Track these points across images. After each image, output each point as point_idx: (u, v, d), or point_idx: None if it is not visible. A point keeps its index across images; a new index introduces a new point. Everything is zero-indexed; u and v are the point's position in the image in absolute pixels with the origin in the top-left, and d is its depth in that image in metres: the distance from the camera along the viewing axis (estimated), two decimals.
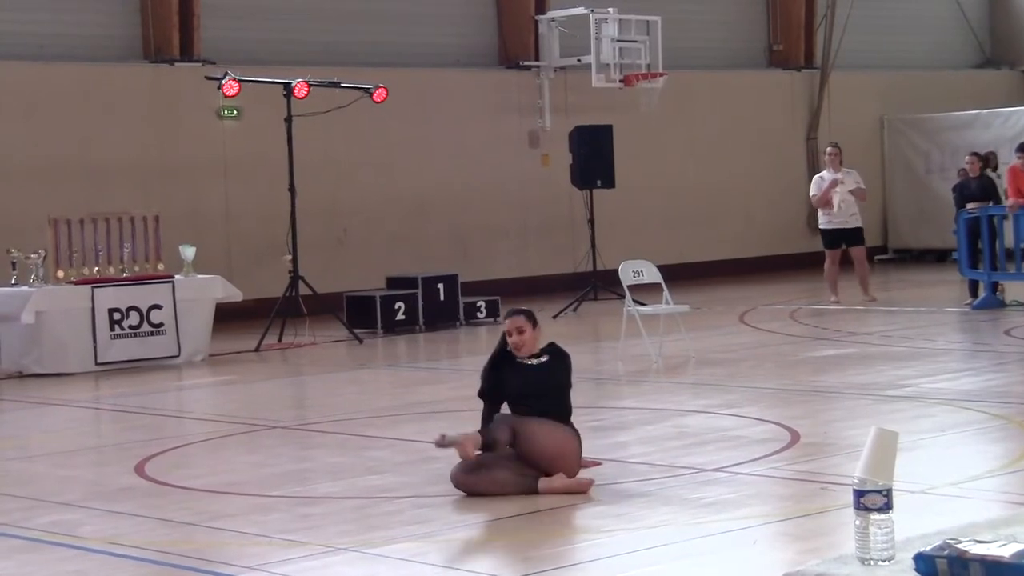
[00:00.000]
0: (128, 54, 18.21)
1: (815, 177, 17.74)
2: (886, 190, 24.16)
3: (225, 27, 18.67)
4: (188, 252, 14.60)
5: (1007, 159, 17.66)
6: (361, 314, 16.27)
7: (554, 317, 17.10)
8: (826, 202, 17.22)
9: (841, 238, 17.27)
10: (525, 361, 7.90)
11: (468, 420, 10.31)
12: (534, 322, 7.94)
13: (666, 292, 12.96)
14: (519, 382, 7.82)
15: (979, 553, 2.85)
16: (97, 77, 17.65)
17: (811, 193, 17.58)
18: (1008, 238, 16.23)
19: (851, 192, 17.11)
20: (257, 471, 8.54)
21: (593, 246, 18.63)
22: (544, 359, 7.93)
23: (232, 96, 15.99)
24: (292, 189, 15.50)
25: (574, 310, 17.65)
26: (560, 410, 7.79)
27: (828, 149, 17.69)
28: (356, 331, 15.69)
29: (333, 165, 18.87)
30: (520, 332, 7.89)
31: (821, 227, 17.55)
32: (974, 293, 16.28)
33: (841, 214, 17.15)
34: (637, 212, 21.27)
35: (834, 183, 17.18)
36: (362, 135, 18.92)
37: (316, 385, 13.11)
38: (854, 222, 17.24)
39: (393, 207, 19.54)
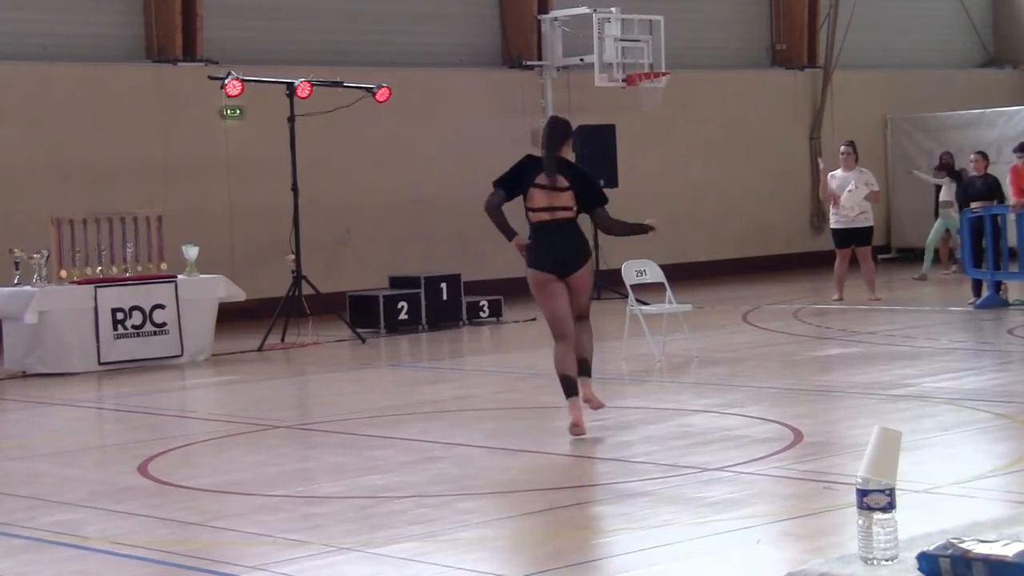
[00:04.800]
0: (131, 54, 18.22)
1: (828, 175, 17.70)
2: (889, 189, 24.14)
3: (228, 27, 18.68)
4: (191, 252, 14.60)
5: (1010, 158, 17.65)
6: (364, 314, 16.26)
7: None
8: (834, 199, 17.27)
9: (850, 237, 17.28)
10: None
11: (470, 420, 10.34)
12: None
13: (669, 291, 12.96)
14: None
15: (982, 553, 2.85)
16: (100, 77, 17.65)
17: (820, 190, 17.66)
18: (1011, 237, 16.23)
19: (864, 198, 17.16)
20: (260, 471, 8.55)
21: (596, 245, 18.61)
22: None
23: (235, 96, 16.00)
24: (295, 189, 15.51)
25: None
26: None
27: (842, 148, 17.66)
28: (359, 331, 15.69)
29: (336, 165, 18.87)
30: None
31: (831, 226, 17.57)
32: (977, 292, 16.28)
33: (849, 212, 17.17)
34: (640, 211, 21.12)
35: (836, 199, 17.17)
36: (365, 135, 18.92)
37: (319, 385, 13.11)
38: (862, 221, 17.26)
39: (396, 206, 19.54)
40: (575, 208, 9.13)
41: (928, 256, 20.21)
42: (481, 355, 15.08)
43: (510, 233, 9.11)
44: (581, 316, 9.23)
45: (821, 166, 17.69)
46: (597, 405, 9.35)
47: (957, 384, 10.77)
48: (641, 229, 9.61)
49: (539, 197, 9.11)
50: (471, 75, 20.57)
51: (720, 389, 11.11)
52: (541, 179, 9.08)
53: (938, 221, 20.17)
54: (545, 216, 9.09)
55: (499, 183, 9.20)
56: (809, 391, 10.83)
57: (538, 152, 9.45)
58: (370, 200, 19.36)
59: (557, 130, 9.27)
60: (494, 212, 9.09)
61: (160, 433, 10.31)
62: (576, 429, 8.91)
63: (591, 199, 9.20)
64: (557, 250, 9.07)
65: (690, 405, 10.51)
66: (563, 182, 9.06)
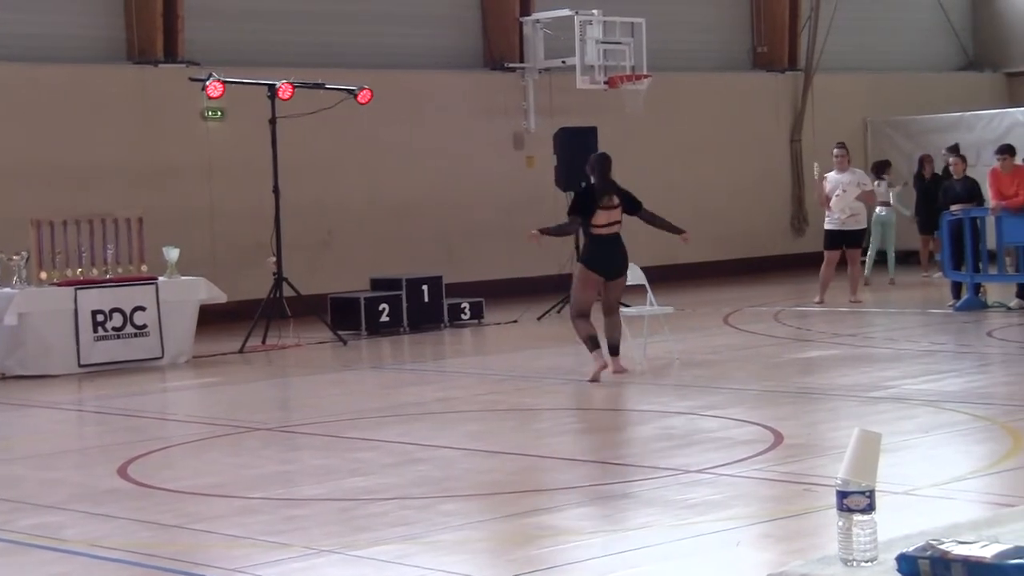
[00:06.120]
0: (112, 55, 18.16)
1: (823, 178, 17.76)
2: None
3: (209, 28, 18.63)
4: (172, 254, 14.57)
5: (989, 161, 17.74)
6: (345, 316, 16.24)
7: (538, 319, 17.11)
8: (827, 202, 17.38)
9: (840, 239, 17.34)
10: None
11: (452, 422, 10.34)
12: None
13: (650, 294, 12.98)
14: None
15: (961, 554, 2.86)
16: (80, 78, 17.60)
17: (817, 193, 17.79)
18: (990, 239, 16.30)
19: (857, 199, 17.25)
20: (241, 473, 8.53)
21: (577, 248, 18.59)
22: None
23: (216, 97, 15.95)
24: (276, 190, 15.48)
25: (558, 312, 17.63)
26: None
27: (835, 152, 17.73)
28: (340, 333, 15.67)
29: (318, 166, 18.84)
30: None
31: (825, 227, 17.65)
32: (957, 295, 16.33)
33: (840, 215, 17.24)
34: None
35: (827, 199, 17.27)
36: (346, 136, 18.90)
37: (300, 387, 13.09)
38: (853, 224, 17.35)
39: (378, 208, 19.52)
40: (622, 221, 12.00)
41: (868, 260, 20.28)
42: (463, 357, 15.07)
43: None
44: (612, 311, 12.01)
45: (817, 170, 17.74)
46: (620, 369, 11.94)
47: (937, 386, 10.80)
48: (677, 230, 12.63)
49: (603, 216, 11.90)
50: (453, 77, 20.57)
51: (701, 391, 11.12)
52: (605, 202, 11.89)
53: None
54: (604, 231, 11.88)
55: (574, 212, 12.09)
56: (790, 393, 10.85)
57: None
58: (352, 202, 19.34)
59: (607, 163, 12.17)
60: (575, 233, 12.66)
61: (140, 435, 10.27)
62: (595, 378, 11.63)
63: (634, 205, 12.12)
64: (610, 260, 11.89)
65: (671, 407, 10.52)
66: (616, 200, 11.94)
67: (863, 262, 19.03)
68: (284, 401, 12.59)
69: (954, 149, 19.53)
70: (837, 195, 17.25)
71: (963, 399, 10.09)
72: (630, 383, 11.89)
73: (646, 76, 20.07)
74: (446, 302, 16.78)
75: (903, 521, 5.14)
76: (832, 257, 17.42)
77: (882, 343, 13.86)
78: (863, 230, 17.63)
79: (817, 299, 17.42)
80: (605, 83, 19.95)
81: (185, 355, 14.31)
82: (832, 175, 17.50)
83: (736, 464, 8.03)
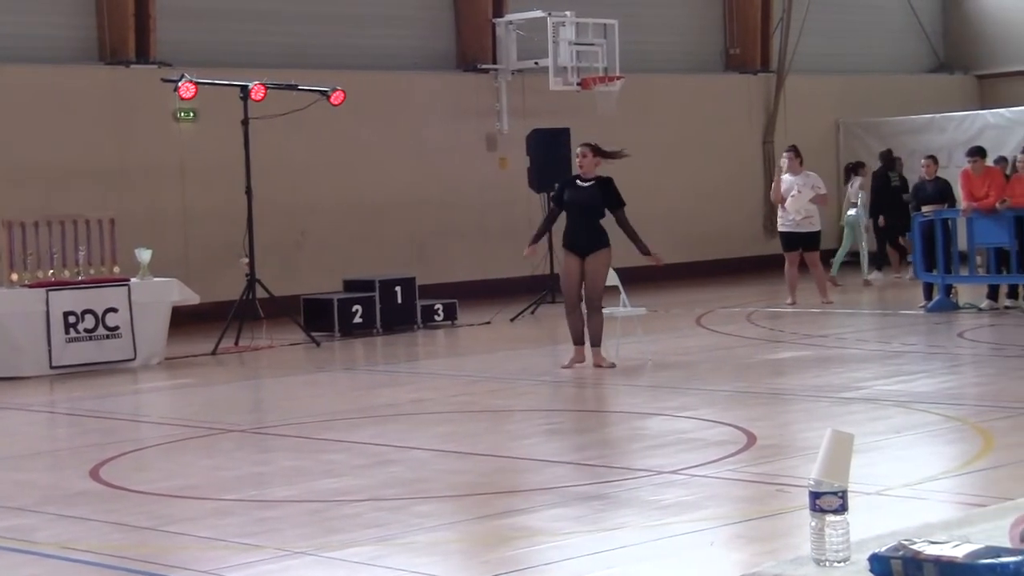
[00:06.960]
0: (83, 56, 18.08)
1: (780, 177, 17.85)
2: (840, 194, 24.28)
3: (181, 29, 18.57)
4: (144, 255, 14.51)
5: (961, 163, 17.84)
6: (318, 317, 16.21)
7: (512, 320, 17.12)
8: (781, 202, 17.44)
9: (796, 241, 17.38)
10: (580, 183, 12.17)
11: (425, 423, 10.34)
12: (595, 152, 12.23)
13: (623, 295, 13.00)
14: (574, 195, 12.13)
15: (933, 554, 2.87)
16: (52, 78, 17.51)
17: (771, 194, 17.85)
18: (962, 241, 16.39)
19: (811, 201, 17.28)
20: (214, 475, 8.51)
21: (551, 249, 18.60)
22: (592, 183, 12.15)
23: (188, 98, 15.89)
24: (249, 192, 15.44)
25: (532, 313, 17.66)
26: (598, 215, 12.15)
27: (785, 154, 17.81)
28: (313, 334, 15.64)
29: (291, 168, 18.80)
30: (583, 156, 12.27)
31: (779, 229, 17.72)
32: (928, 296, 16.41)
33: (796, 216, 17.28)
34: None
35: (783, 200, 17.33)
36: (320, 138, 18.86)
37: (273, 388, 13.06)
38: (807, 226, 17.35)
39: (351, 210, 19.49)
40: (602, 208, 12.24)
41: (836, 260, 20.45)
42: (436, 359, 15.06)
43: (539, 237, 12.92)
44: (590, 304, 12.22)
45: (784, 165, 17.82)
46: (599, 363, 12.20)
47: (908, 387, 10.85)
48: (641, 247, 12.72)
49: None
50: (426, 78, 20.55)
51: (674, 392, 11.15)
52: (575, 187, 12.22)
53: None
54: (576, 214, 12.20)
55: (554, 200, 12.67)
56: (762, 394, 10.88)
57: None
58: (325, 203, 19.30)
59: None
60: (547, 224, 12.99)
61: (112, 437, 10.23)
62: (566, 368, 12.22)
63: (612, 202, 12.27)
64: (575, 236, 12.25)
65: (644, 408, 10.54)
66: (594, 188, 12.16)
67: (831, 263, 19.17)
68: (257, 403, 12.56)
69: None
70: (793, 195, 17.31)
71: (934, 400, 10.14)
72: (603, 385, 11.90)
73: (619, 77, 20.11)
74: (419, 303, 16.75)
75: (875, 521, 5.16)
76: (792, 258, 17.48)
77: (854, 344, 13.92)
78: (817, 232, 17.60)
79: (789, 300, 17.48)
80: (578, 84, 19.97)
81: (157, 357, 14.26)
82: (787, 177, 17.57)
83: (709, 465, 8.05)
